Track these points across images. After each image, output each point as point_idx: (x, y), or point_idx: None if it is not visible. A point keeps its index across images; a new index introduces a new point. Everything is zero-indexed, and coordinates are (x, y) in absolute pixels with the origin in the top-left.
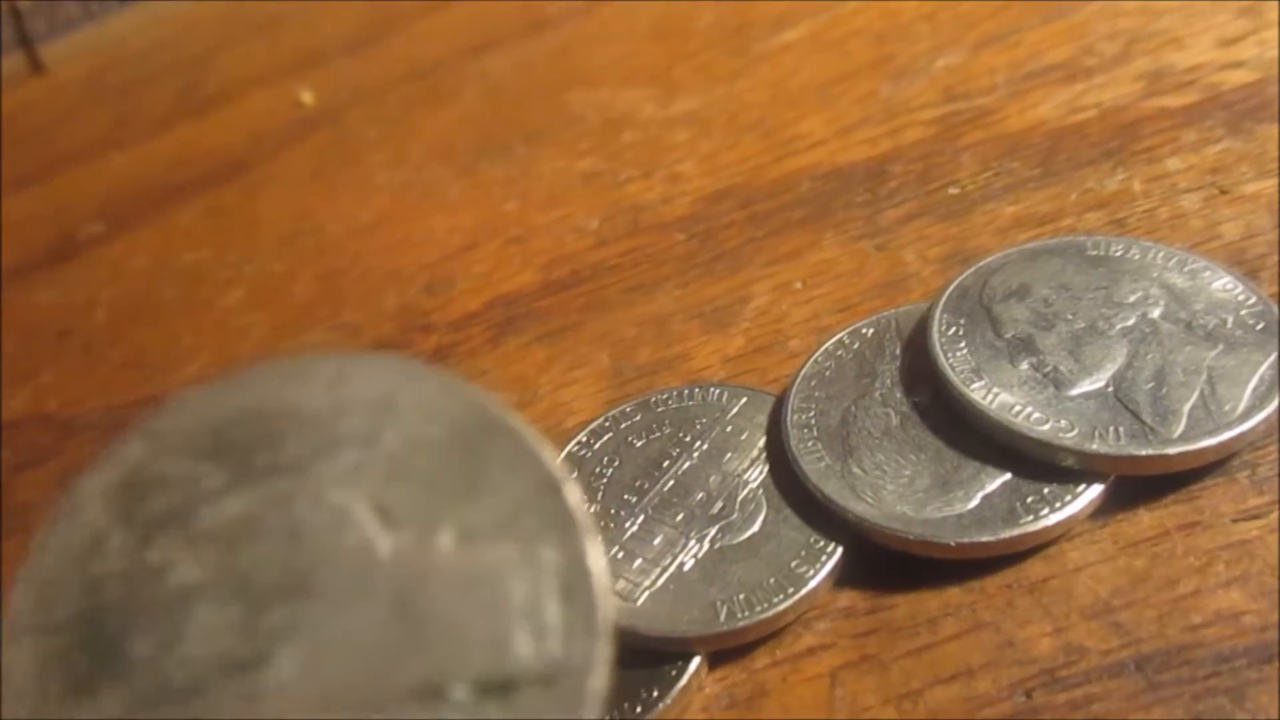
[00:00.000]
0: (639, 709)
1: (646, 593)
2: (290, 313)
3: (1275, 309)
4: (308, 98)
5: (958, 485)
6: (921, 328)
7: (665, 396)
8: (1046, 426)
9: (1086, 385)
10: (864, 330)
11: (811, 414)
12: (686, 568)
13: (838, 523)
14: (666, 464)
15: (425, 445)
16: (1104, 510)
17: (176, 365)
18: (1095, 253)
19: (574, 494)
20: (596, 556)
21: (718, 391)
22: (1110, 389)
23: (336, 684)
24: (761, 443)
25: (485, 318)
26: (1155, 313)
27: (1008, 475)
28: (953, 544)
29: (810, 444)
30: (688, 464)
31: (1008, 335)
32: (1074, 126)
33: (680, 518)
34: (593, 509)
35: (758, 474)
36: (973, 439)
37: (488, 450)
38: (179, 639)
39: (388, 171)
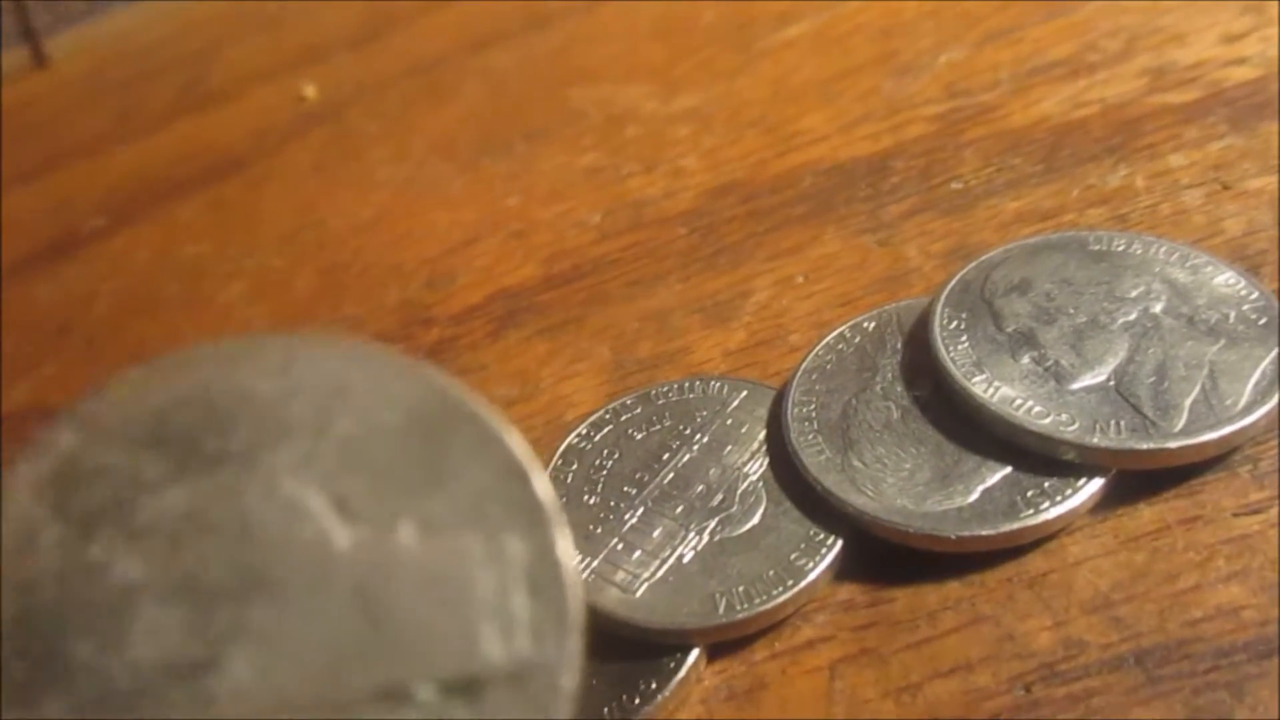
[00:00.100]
0: (637, 701)
1: (646, 584)
2: (291, 307)
3: (1277, 304)
4: (310, 93)
5: (958, 479)
6: (923, 322)
7: (666, 389)
8: (1047, 420)
9: (1088, 379)
10: (865, 324)
11: (812, 407)
12: (686, 560)
13: (837, 516)
14: (666, 456)
15: (383, 432)
16: (1104, 504)
17: None
18: (1097, 248)
19: (541, 482)
20: (565, 547)
21: (718, 385)
22: (1111, 383)
23: (293, 686)
24: (762, 436)
25: (486, 311)
26: (1157, 307)
27: (1008, 469)
28: (953, 537)
29: (810, 437)
30: (688, 456)
31: (1009, 329)
32: (1077, 122)
33: (680, 510)
34: (593, 501)
35: (758, 467)
36: (973, 433)
37: (449, 437)
38: (123, 641)
39: (389, 167)
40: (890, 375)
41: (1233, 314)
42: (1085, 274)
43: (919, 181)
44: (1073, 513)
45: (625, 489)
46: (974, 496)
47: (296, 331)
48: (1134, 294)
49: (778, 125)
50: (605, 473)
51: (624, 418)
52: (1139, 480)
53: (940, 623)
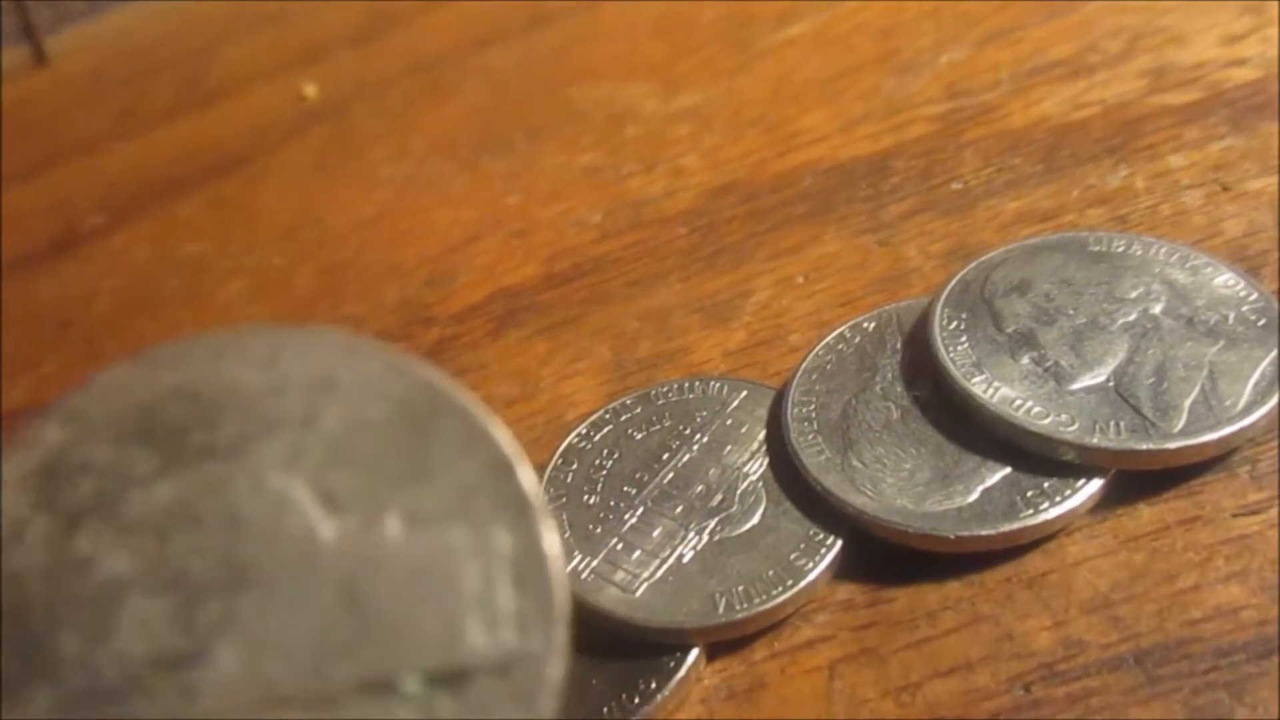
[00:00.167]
0: (637, 700)
1: (645, 584)
2: (291, 305)
3: (1276, 305)
4: (310, 91)
5: (958, 479)
6: (923, 322)
7: (666, 389)
8: (1047, 421)
9: (1087, 380)
10: (865, 324)
11: (812, 407)
12: (685, 560)
13: (837, 516)
14: (666, 456)
15: (369, 425)
16: (1104, 505)
17: None
18: (1097, 248)
19: (527, 475)
20: (551, 540)
21: (718, 385)
22: (1111, 384)
23: (280, 679)
24: (761, 436)
25: (487, 310)
26: (1157, 308)
27: (1008, 469)
28: (952, 537)
29: (810, 437)
30: (687, 456)
31: (1009, 330)
32: (1077, 123)
33: (680, 510)
34: (593, 501)
35: (757, 467)
36: (973, 433)
37: (435, 430)
38: (110, 634)
39: (390, 165)
40: (890, 375)
41: (1232, 315)
42: (1085, 275)
43: (919, 181)
44: (1072, 513)
45: (625, 489)
46: (973, 497)
47: (283, 323)
48: (1134, 295)
49: (778, 125)
50: (605, 472)
51: (624, 417)
52: (1138, 481)
53: (940, 622)
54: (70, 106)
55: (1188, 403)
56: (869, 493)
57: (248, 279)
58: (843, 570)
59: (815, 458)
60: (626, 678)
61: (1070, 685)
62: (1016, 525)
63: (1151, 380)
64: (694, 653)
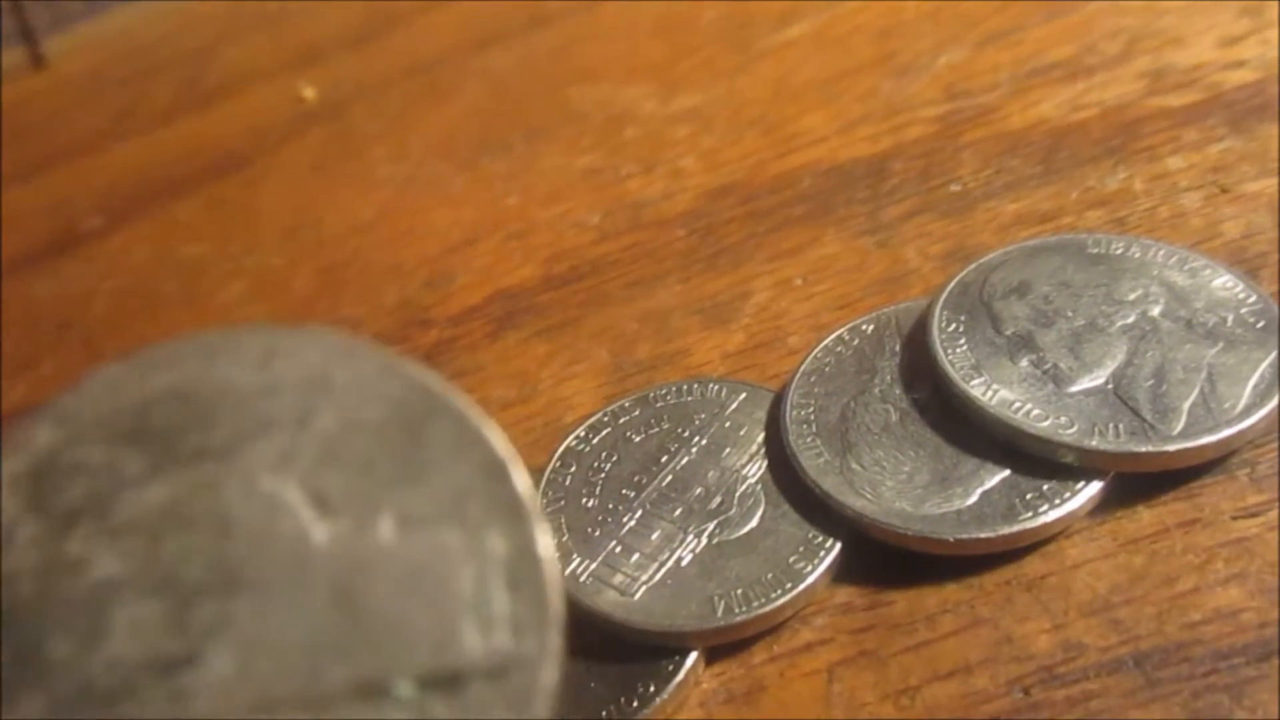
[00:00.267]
0: (636, 703)
1: (644, 587)
2: (290, 306)
3: (1275, 307)
4: (309, 92)
5: (957, 482)
6: (921, 324)
7: (664, 392)
8: (1046, 423)
9: (1086, 382)
10: (864, 327)
11: (811, 410)
12: (684, 563)
13: (836, 518)
14: (665, 459)
15: (362, 427)
16: (1103, 507)
17: None
18: (1096, 250)
19: (521, 478)
20: (545, 543)
21: (717, 387)
22: (1110, 386)
23: (273, 682)
24: (760, 438)
25: (485, 312)
26: (1155, 310)
27: (1007, 472)
28: (951, 540)
29: (809, 440)
30: (686, 459)
31: (1008, 332)
32: (1075, 125)
33: (678, 513)
34: (591, 504)
35: (756, 469)
36: (972, 435)
37: (429, 432)
38: (102, 638)
39: (389, 166)
40: (889, 378)
41: (1231, 317)
42: (1084, 277)
43: (918, 183)
44: (1071, 515)
45: (623, 492)
46: (972, 499)
47: (278, 324)
48: (1132, 297)
49: (777, 126)
50: (604, 475)
51: (622, 420)
52: (1137, 483)
53: (939, 625)
54: (69, 108)
55: (1187, 405)
56: (868, 495)
57: (247, 280)
58: (841, 573)
59: (814, 460)
60: (625, 681)
61: (1069, 688)
62: (1015, 528)
63: (1150, 382)
64: (692, 656)
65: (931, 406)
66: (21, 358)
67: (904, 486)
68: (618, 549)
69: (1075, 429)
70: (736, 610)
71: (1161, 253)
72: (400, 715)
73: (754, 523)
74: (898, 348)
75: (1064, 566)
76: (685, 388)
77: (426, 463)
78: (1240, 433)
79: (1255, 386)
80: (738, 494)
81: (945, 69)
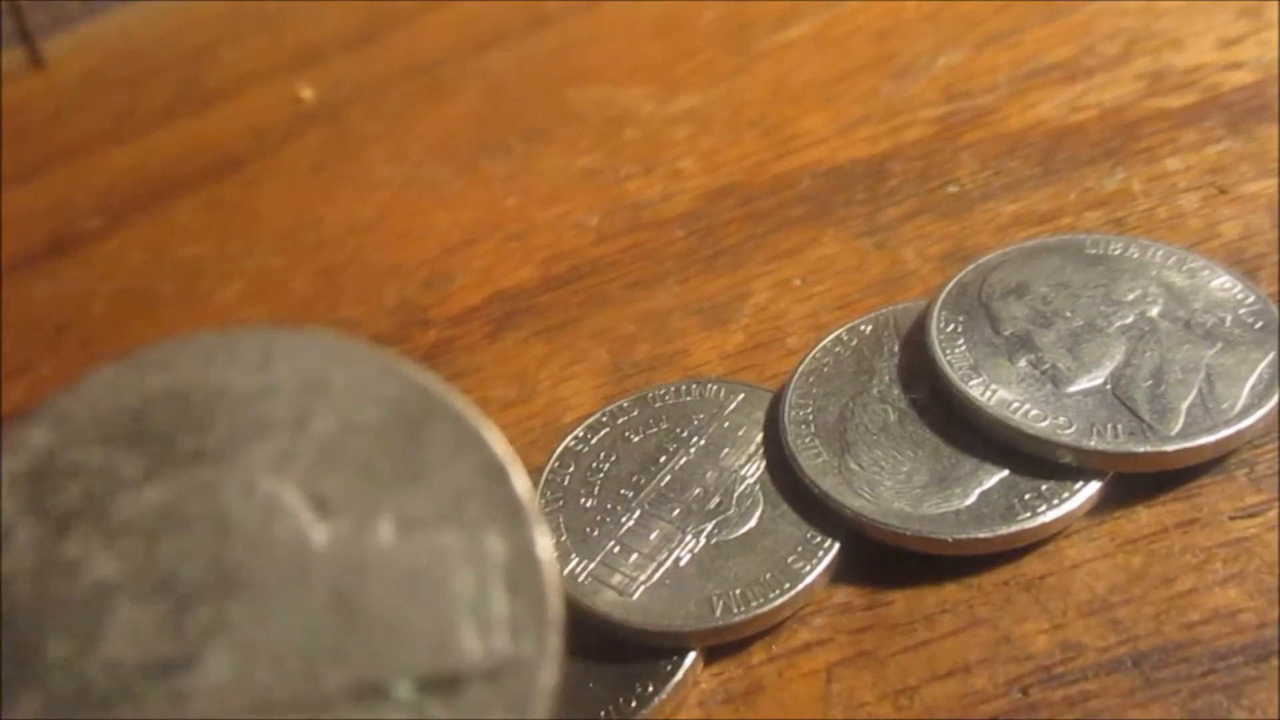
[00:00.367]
0: (634, 704)
1: (642, 587)
2: (289, 308)
3: (1274, 308)
4: (308, 93)
5: (955, 482)
6: (920, 325)
7: (663, 392)
8: (1045, 423)
9: (1085, 383)
10: (862, 327)
11: (809, 410)
12: (683, 563)
13: (835, 519)
14: (664, 459)
15: (361, 429)
16: (1102, 507)
17: None
18: (1094, 251)
19: (520, 479)
20: (545, 545)
21: (715, 387)
22: (1108, 386)
23: (271, 684)
24: (759, 438)
25: (484, 313)
26: (1154, 311)
27: (1005, 472)
28: (950, 540)
29: (808, 440)
30: (685, 459)
31: (1006, 332)
32: (1074, 126)
33: (677, 513)
34: (589, 504)
35: (755, 469)
36: (971, 436)
37: (428, 434)
38: (99, 639)
39: (388, 167)
40: (887, 378)
41: (1229, 317)
42: (1082, 277)
43: (917, 184)
44: (1070, 515)
45: (622, 492)
46: (971, 499)
47: (274, 325)
48: (1131, 297)
49: (776, 127)
50: (602, 475)
51: (621, 420)
52: (1136, 483)
53: (937, 625)
54: (67, 109)
55: (1185, 405)
56: (866, 495)
57: (245, 281)
58: (840, 573)
59: (813, 460)
60: (623, 681)
61: (1068, 688)
62: (1014, 528)
63: (1149, 383)
64: (691, 656)
65: (930, 407)
66: (20, 358)
67: (902, 487)
68: (616, 549)
69: (1074, 429)
70: (735, 610)
71: (1160, 253)
72: (399, 717)
73: (752, 523)
74: (896, 348)
75: (1062, 567)
76: (684, 388)
77: (425, 464)
78: (1238, 433)
79: (1253, 387)
80: (736, 494)
81: (944, 70)
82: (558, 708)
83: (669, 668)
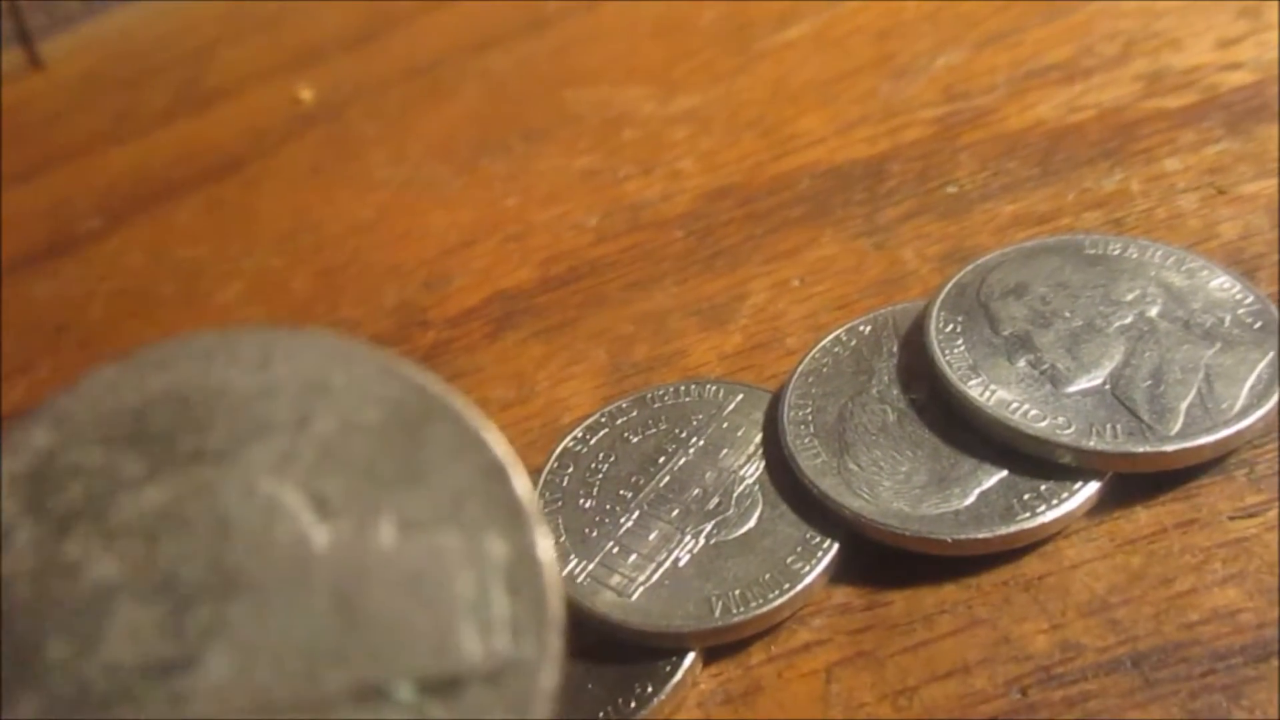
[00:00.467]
0: (633, 704)
1: (641, 588)
2: (288, 308)
3: (1273, 308)
4: (307, 94)
5: (954, 482)
6: (919, 325)
7: (662, 393)
8: (1044, 424)
9: (1084, 383)
10: (861, 327)
11: (808, 410)
12: (682, 563)
13: (834, 519)
14: (663, 460)
15: (361, 429)
16: (1101, 508)
17: None
18: (1093, 251)
19: (521, 480)
20: (545, 547)
21: (714, 388)
22: (1108, 386)
23: (272, 685)
24: (758, 439)
25: (483, 313)
26: (1153, 311)
27: (1005, 472)
28: (949, 540)
29: (807, 440)
30: (684, 460)
31: (1005, 333)
32: (1073, 126)
33: (676, 513)
34: (588, 504)
35: (754, 470)
36: (970, 436)
37: (428, 435)
38: (99, 640)
39: (387, 168)
40: (886, 378)
41: (1228, 318)
42: (1081, 277)
43: (915, 185)
44: (1069, 516)
45: (621, 492)
46: (970, 499)
47: (274, 325)
48: (1130, 297)
49: (775, 127)
50: (601, 476)
51: (620, 421)
52: (1135, 483)
53: (936, 626)
54: (66, 109)
55: (1184, 405)
56: (865, 496)
57: (244, 282)
58: (839, 573)
59: (811, 461)
60: (622, 682)
61: (1067, 688)
62: (1013, 528)
63: (1148, 383)
64: (690, 657)
65: (929, 407)
66: (20, 359)
67: (902, 487)
68: (615, 550)
69: (1073, 429)
70: (734, 611)
71: (1159, 254)
72: (399, 718)
73: (751, 523)
74: (895, 348)
75: (1062, 567)
76: (683, 389)
77: (426, 465)
78: (1238, 433)
79: (1253, 387)
80: (735, 494)
81: (943, 71)
82: (557, 709)
83: (668, 668)
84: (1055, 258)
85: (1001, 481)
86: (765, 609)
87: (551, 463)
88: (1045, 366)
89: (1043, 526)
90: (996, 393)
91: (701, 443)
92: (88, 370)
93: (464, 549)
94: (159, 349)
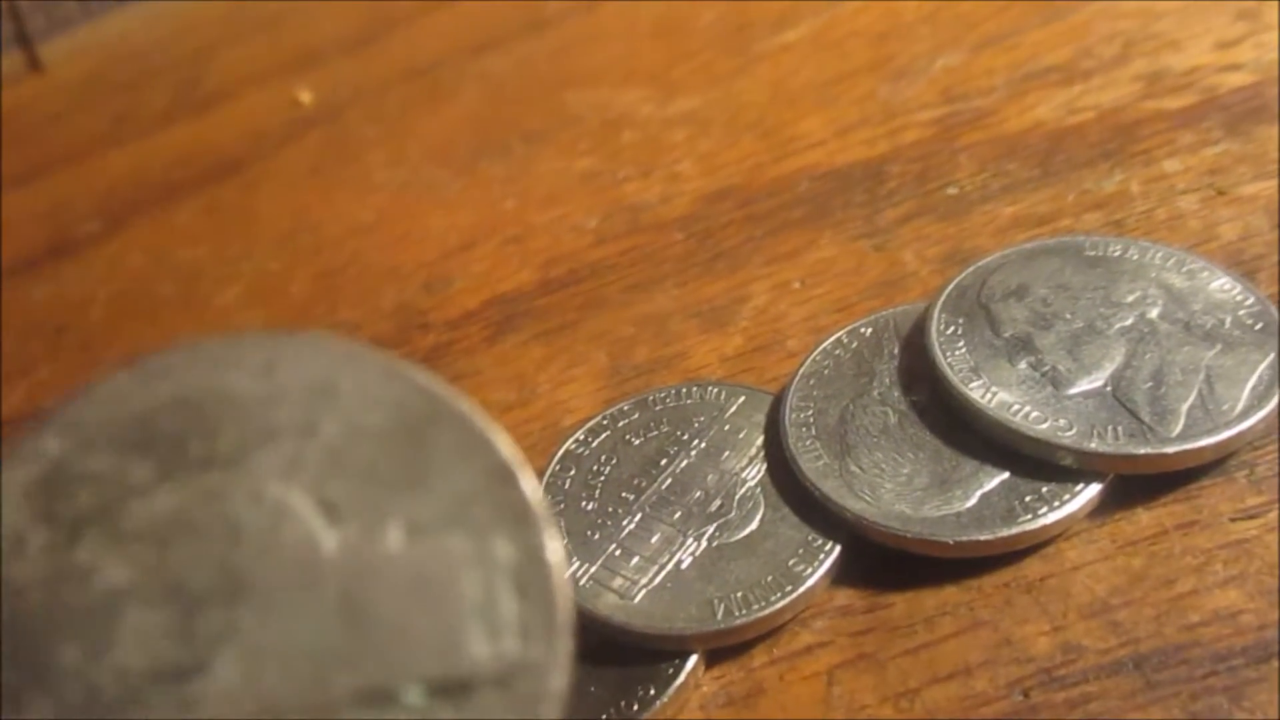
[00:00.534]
0: (636, 706)
1: (644, 590)
2: (288, 311)
3: (1273, 309)
4: (306, 96)
5: (956, 484)
6: (920, 327)
7: (663, 395)
8: (1045, 425)
9: (1085, 384)
10: (862, 329)
11: (810, 413)
12: (684, 566)
13: (835, 521)
14: (664, 462)
15: (368, 433)
16: (1102, 509)
17: None
18: (1093, 253)
19: (528, 482)
20: (554, 548)
21: (715, 390)
22: (1108, 388)
23: (280, 690)
24: (759, 441)
25: (483, 316)
26: (1153, 313)
27: (1006, 474)
28: (951, 542)
29: (808, 442)
30: (685, 462)
31: (1006, 334)
32: (1072, 128)
33: (678, 516)
34: (590, 507)
35: (755, 472)
36: (971, 438)
37: (435, 438)
38: (109, 646)
39: (386, 170)
40: (887, 380)
41: (1229, 319)
42: (1081, 279)
43: (915, 186)
44: (1070, 518)
45: (623, 495)
46: (972, 501)
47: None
48: (1130, 299)
49: (775, 129)
50: (603, 479)
51: (621, 423)
52: (1136, 485)
53: (938, 628)
54: (65, 112)
55: (1185, 407)
56: (867, 498)
57: (244, 284)
58: (841, 576)
59: (813, 463)
60: (625, 684)
61: (1069, 690)
62: (1015, 530)
63: (1149, 384)
64: (692, 659)
65: (930, 409)
66: (19, 362)
67: (903, 489)
68: (617, 552)
69: (1074, 431)
70: (736, 613)
71: (1159, 255)
72: None
73: (753, 525)
74: (896, 350)
75: (1063, 569)
76: (684, 391)
77: (432, 468)
78: (1238, 435)
79: (1253, 388)
80: (737, 497)
81: (942, 72)
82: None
83: (670, 670)
84: (1055, 259)
85: (1003, 483)
86: (767, 611)
87: (553, 465)
88: (1046, 368)
89: (1044, 528)
90: (998, 395)
91: (703, 445)
92: (96, 378)
93: (471, 551)
94: (166, 356)
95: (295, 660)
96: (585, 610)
